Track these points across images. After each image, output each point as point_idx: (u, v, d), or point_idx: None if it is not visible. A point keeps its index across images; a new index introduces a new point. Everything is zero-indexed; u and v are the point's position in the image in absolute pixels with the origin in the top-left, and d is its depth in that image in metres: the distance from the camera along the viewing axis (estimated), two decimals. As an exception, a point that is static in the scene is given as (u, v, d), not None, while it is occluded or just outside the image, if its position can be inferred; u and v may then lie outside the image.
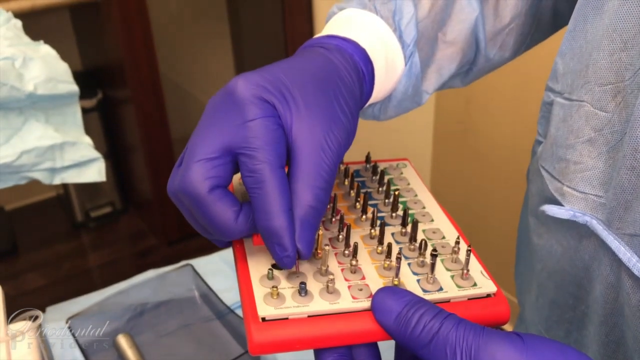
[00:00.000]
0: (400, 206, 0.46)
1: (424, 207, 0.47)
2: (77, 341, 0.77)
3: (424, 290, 0.38)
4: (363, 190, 0.47)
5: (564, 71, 0.49)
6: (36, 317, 0.62)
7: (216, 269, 0.92)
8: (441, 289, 0.39)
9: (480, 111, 1.74)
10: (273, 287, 0.37)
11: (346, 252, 0.41)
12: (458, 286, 0.39)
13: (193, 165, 0.38)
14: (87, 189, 2.40)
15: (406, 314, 0.34)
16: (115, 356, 0.78)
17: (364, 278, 0.39)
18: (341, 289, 0.38)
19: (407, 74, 0.52)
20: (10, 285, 2.19)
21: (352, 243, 0.40)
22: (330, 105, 0.40)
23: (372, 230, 0.43)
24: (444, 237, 0.44)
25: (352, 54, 0.46)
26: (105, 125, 2.39)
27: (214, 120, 0.41)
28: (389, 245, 0.40)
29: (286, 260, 0.37)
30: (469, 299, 0.39)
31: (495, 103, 1.67)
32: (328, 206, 0.43)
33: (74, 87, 0.79)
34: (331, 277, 0.37)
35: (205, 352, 0.79)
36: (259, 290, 0.37)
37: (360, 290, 0.38)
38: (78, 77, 0.80)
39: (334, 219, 0.44)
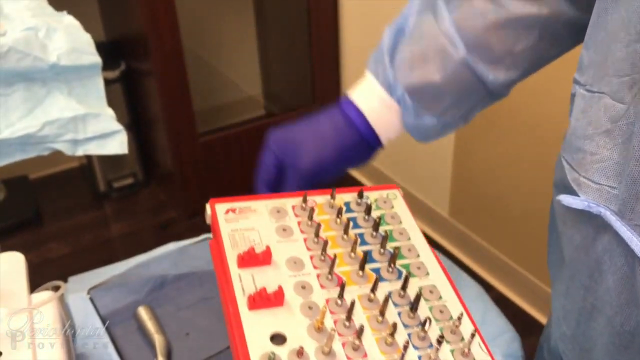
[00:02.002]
0: (404, 271, 0.45)
1: (418, 256, 0.47)
2: (97, 312, 0.77)
3: None
4: (356, 231, 0.47)
5: (587, 63, 0.50)
6: (58, 288, 0.63)
7: (236, 244, 0.92)
8: None
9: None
10: None
11: (347, 323, 0.40)
12: None
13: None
14: (110, 160, 2.42)
15: None
16: (135, 327, 0.79)
17: (365, 355, 0.38)
18: None
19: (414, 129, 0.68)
20: (33, 253, 2.23)
21: (356, 322, 0.39)
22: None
23: (371, 295, 0.42)
24: (440, 297, 0.44)
25: (358, 125, 0.65)
26: (128, 97, 2.40)
27: None
28: (394, 325, 0.39)
29: None
30: None
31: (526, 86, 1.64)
32: (324, 255, 0.43)
33: (96, 59, 0.78)
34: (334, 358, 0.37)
35: (224, 325, 0.79)
36: None
37: None
38: (101, 48, 0.79)
39: (330, 277, 0.43)
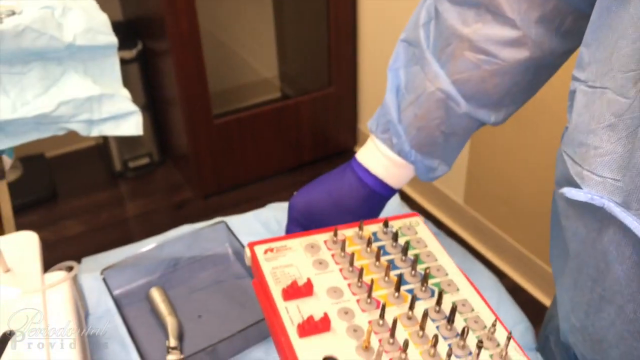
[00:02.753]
0: (436, 289, 0.48)
1: (446, 274, 0.50)
2: (110, 292, 0.78)
3: None
4: (386, 258, 0.50)
5: (589, 60, 0.50)
6: (71, 268, 0.63)
7: (250, 228, 0.92)
8: None
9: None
10: None
11: (391, 340, 0.43)
12: None
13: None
14: (126, 140, 2.43)
15: None
16: (148, 309, 0.79)
17: None
18: None
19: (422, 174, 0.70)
20: (49, 230, 2.25)
21: (399, 339, 0.42)
22: None
23: (410, 312, 0.45)
24: (473, 310, 0.47)
25: (378, 191, 0.67)
26: (145, 77, 2.40)
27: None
28: (435, 337, 0.42)
29: None
30: None
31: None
32: (361, 282, 0.47)
33: (113, 39, 0.78)
34: None
35: (236, 308, 0.80)
36: None
37: None
38: (118, 27, 0.79)
39: (369, 300, 0.46)
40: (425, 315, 0.43)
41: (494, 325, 0.44)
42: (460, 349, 0.42)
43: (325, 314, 0.44)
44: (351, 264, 0.49)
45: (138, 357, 0.70)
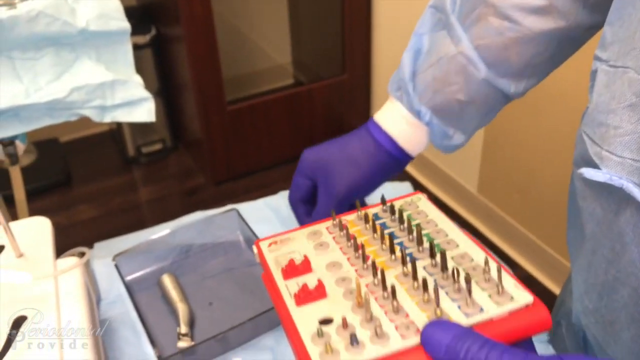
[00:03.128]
0: (425, 239, 0.48)
1: (447, 235, 0.49)
2: (122, 278, 0.78)
3: (467, 315, 0.40)
4: (387, 231, 0.50)
5: (611, 40, 0.50)
6: (84, 254, 0.63)
7: (261, 215, 0.92)
8: (482, 309, 0.41)
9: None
10: (326, 344, 0.39)
11: (385, 294, 0.43)
12: (497, 304, 0.41)
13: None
14: (139, 125, 2.44)
15: (455, 345, 0.36)
16: (159, 295, 0.79)
17: (407, 315, 0.41)
18: (389, 331, 0.40)
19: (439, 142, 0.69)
20: (62, 215, 2.26)
21: (389, 285, 0.43)
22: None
23: (404, 268, 0.45)
24: (472, 260, 0.46)
25: (388, 148, 0.68)
26: (158, 62, 2.40)
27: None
28: (424, 280, 0.42)
29: None
30: (510, 313, 0.41)
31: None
32: (359, 254, 0.47)
33: (125, 25, 0.78)
34: (377, 322, 0.40)
35: (247, 296, 0.80)
36: (313, 349, 0.40)
37: (407, 328, 0.40)
38: (131, 12, 0.79)
39: (365, 266, 0.47)
40: (414, 262, 0.44)
41: (486, 263, 0.44)
42: (456, 293, 0.42)
43: (319, 281, 0.45)
44: (349, 239, 0.50)
45: (149, 343, 0.70)
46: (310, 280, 0.46)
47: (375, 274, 0.45)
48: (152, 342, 0.69)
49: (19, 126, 0.75)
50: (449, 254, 0.47)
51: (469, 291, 0.41)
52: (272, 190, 0.99)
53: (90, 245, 0.82)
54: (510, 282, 0.43)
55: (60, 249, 0.65)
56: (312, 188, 0.71)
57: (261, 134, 2.39)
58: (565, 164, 1.67)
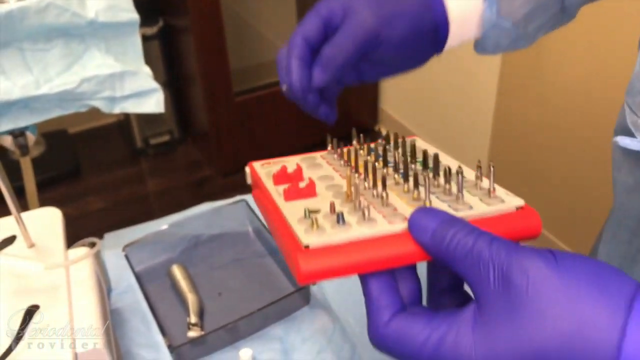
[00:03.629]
0: (419, 156, 0.48)
1: (441, 161, 0.48)
2: (132, 269, 0.78)
3: (456, 210, 0.39)
4: (380, 150, 0.50)
5: None
6: (94, 244, 0.64)
7: (270, 206, 0.92)
8: (471, 207, 0.40)
9: (551, 57, 1.66)
10: (312, 221, 0.38)
11: (374, 192, 0.43)
12: (487, 204, 0.40)
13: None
14: (147, 117, 2.44)
15: (442, 230, 0.35)
16: (169, 285, 0.80)
17: (396, 209, 0.41)
18: (376, 217, 0.39)
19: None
20: (72, 206, 2.27)
21: (379, 184, 0.42)
22: None
23: (396, 176, 0.45)
24: (463, 172, 0.45)
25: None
26: (166, 54, 2.40)
27: None
28: (415, 178, 0.42)
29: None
30: (500, 215, 0.40)
31: (566, 49, 1.59)
32: (351, 168, 0.46)
33: (134, 16, 0.78)
34: (365, 211, 0.39)
35: (256, 287, 0.80)
36: (298, 226, 0.39)
37: (395, 215, 0.39)
38: (139, 3, 0.79)
39: (357, 176, 0.46)
40: (406, 166, 0.43)
41: (478, 177, 0.43)
42: (446, 195, 0.42)
43: (311, 179, 0.44)
44: (344, 161, 0.50)
45: (159, 333, 0.71)
46: (301, 183, 0.45)
47: (366, 179, 0.44)
48: (163, 331, 0.70)
49: (29, 117, 0.76)
50: (442, 168, 0.45)
51: (460, 185, 0.41)
52: (280, 182, 0.99)
53: (99, 236, 0.83)
54: (501, 190, 0.42)
55: (70, 240, 0.65)
56: (324, 34, 0.54)
57: (269, 125, 2.39)
58: (575, 157, 1.66)
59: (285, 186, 0.45)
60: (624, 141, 0.48)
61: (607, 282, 0.30)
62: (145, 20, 0.82)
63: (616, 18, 1.40)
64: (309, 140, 2.52)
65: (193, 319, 0.73)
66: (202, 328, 0.73)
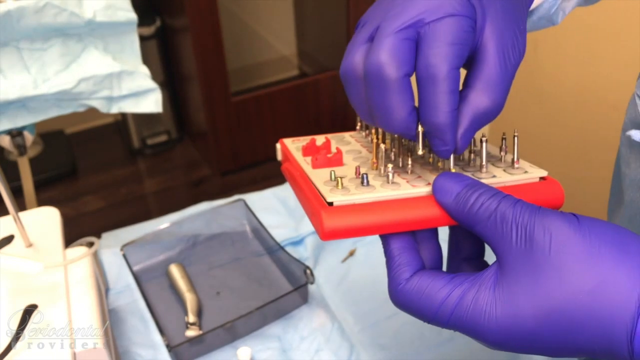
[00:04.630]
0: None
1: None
2: (130, 268, 0.78)
3: (479, 178, 0.40)
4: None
5: None
6: (92, 244, 0.64)
7: (268, 205, 0.92)
8: (494, 176, 0.40)
9: (548, 55, 1.66)
10: (337, 181, 0.39)
11: (400, 161, 0.43)
12: (510, 174, 0.41)
13: (386, 39, 0.36)
14: (144, 117, 2.44)
15: (465, 193, 0.35)
16: (167, 285, 0.80)
17: (420, 177, 0.41)
18: (400, 182, 0.40)
19: None
20: (69, 206, 2.27)
21: (404, 156, 0.43)
22: (518, 15, 0.40)
23: (421, 151, 0.44)
24: (489, 150, 0.45)
25: None
26: (163, 54, 2.39)
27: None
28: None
29: (444, 153, 0.38)
30: (523, 184, 0.40)
31: (564, 47, 1.59)
32: (379, 142, 0.45)
33: (132, 15, 0.78)
34: (390, 176, 0.39)
35: (254, 286, 0.80)
36: (323, 187, 0.40)
37: (419, 180, 0.40)
38: (137, 3, 0.79)
39: (384, 145, 0.45)
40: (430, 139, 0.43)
41: (503, 138, 0.43)
42: (471, 167, 0.42)
43: (338, 149, 0.45)
44: (368, 135, 0.51)
45: (157, 332, 0.71)
46: (329, 155, 0.46)
47: (392, 150, 0.45)
48: (161, 331, 0.70)
49: (27, 117, 0.76)
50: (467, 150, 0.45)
51: (484, 164, 0.41)
52: (278, 181, 0.99)
53: (97, 235, 0.83)
54: (525, 163, 0.43)
55: (68, 240, 0.65)
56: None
57: (266, 125, 2.39)
58: (573, 156, 1.67)
59: (314, 157, 0.46)
60: (637, 135, 0.48)
61: (628, 245, 0.31)
62: (142, 20, 0.82)
63: (614, 16, 1.41)
64: (306, 139, 2.52)
65: (191, 318, 0.73)
66: (200, 327, 0.73)
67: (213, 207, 0.88)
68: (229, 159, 2.38)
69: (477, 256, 0.40)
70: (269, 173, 2.39)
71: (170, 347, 0.68)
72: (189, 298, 0.76)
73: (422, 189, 0.38)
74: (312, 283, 0.76)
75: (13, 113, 0.75)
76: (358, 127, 0.54)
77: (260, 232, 0.85)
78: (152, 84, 0.81)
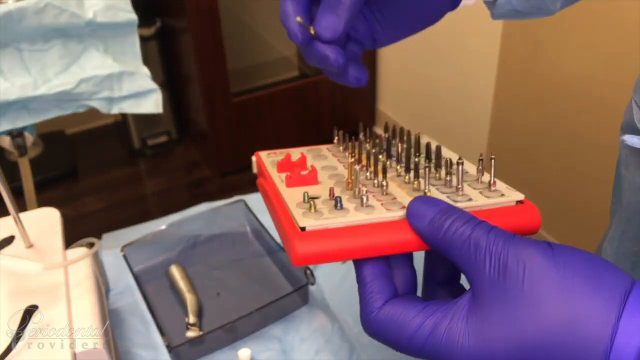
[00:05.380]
0: (423, 148, 0.48)
1: (443, 155, 0.48)
2: (130, 269, 0.78)
3: (454, 201, 0.39)
4: (385, 144, 0.49)
5: None
6: (92, 244, 0.64)
7: (268, 206, 0.92)
8: (470, 199, 0.40)
9: (549, 53, 1.66)
10: (310, 204, 0.38)
11: (375, 181, 0.43)
12: (486, 197, 0.40)
13: None
14: (144, 118, 2.44)
15: (439, 218, 0.35)
16: (167, 285, 0.80)
17: (395, 198, 0.41)
18: (374, 205, 0.39)
19: None
20: (69, 207, 2.27)
21: (380, 174, 0.43)
22: None
23: (398, 168, 0.45)
24: (467, 172, 0.45)
25: None
26: (163, 54, 2.39)
27: None
28: (415, 168, 0.42)
29: (294, 38, 0.39)
30: (499, 208, 0.40)
31: (563, 46, 1.59)
32: (355, 160, 0.45)
33: (132, 16, 0.78)
34: (364, 198, 0.39)
35: (254, 287, 0.80)
36: (296, 210, 0.39)
37: (393, 203, 0.39)
38: (137, 4, 0.79)
39: (360, 167, 0.46)
40: (408, 157, 0.43)
41: (481, 159, 0.43)
42: (447, 187, 0.42)
43: (313, 167, 0.44)
44: (349, 153, 0.50)
45: (158, 333, 0.71)
46: (304, 171, 0.45)
47: (368, 169, 0.44)
48: (161, 331, 0.70)
49: (28, 117, 0.76)
50: (443, 160, 0.45)
51: (461, 176, 0.41)
52: (279, 182, 0.99)
53: (98, 236, 0.83)
54: (502, 184, 0.42)
55: (68, 241, 0.65)
56: None
57: (267, 126, 2.39)
58: (573, 155, 1.67)
59: (288, 173, 0.45)
60: (632, 140, 0.48)
61: (603, 276, 0.30)
62: (142, 21, 0.82)
63: (614, 15, 1.41)
64: (306, 141, 2.52)
65: (192, 319, 0.73)
66: (200, 328, 0.73)
67: (213, 208, 0.88)
68: (229, 159, 2.38)
69: (453, 280, 0.40)
70: (269, 174, 2.39)
71: (170, 348, 0.68)
72: (189, 299, 0.76)
73: (397, 213, 0.38)
74: (312, 284, 0.76)
75: (13, 114, 0.75)
76: (335, 141, 0.53)
77: (260, 232, 0.85)
78: (153, 85, 0.81)
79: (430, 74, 2.16)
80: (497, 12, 0.53)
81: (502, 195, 0.40)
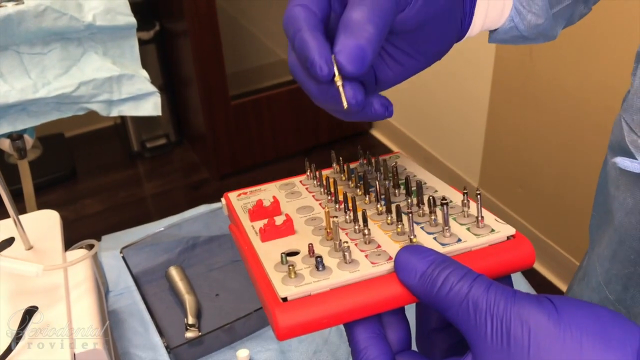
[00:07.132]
0: (402, 184, 0.45)
1: (425, 183, 0.46)
2: (130, 270, 0.79)
3: (442, 244, 0.37)
4: (360, 174, 0.46)
5: None
6: (92, 246, 0.64)
7: (266, 208, 0.92)
8: (459, 240, 0.37)
9: (544, 60, 1.67)
10: (289, 267, 0.35)
11: (356, 227, 0.40)
12: (476, 235, 0.38)
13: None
14: (144, 120, 2.44)
15: (431, 273, 0.32)
16: (167, 287, 0.80)
17: (379, 246, 0.38)
18: (358, 258, 0.37)
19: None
20: (69, 209, 2.28)
21: (360, 218, 0.39)
22: None
23: (379, 206, 0.42)
24: (451, 201, 0.42)
25: None
26: (162, 58, 2.40)
27: None
28: (397, 209, 0.39)
29: (319, 71, 0.34)
30: (490, 246, 0.37)
31: (560, 52, 1.60)
32: (331, 197, 0.42)
33: (132, 19, 0.78)
34: (347, 251, 0.36)
35: (253, 288, 0.80)
36: (275, 275, 0.36)
37: (378, 255, 0.37)
38: (135, 7, 0.79)
39: (337, 207, 0.43)
40: (388, 197, 0.40)
41: (465, 192, 0.40)
42: (432, 227, 0.39)
43: (288, 216, 0.41)
44: (322, 187, 0.47)
45: (157, 334, 0.71)
46: (279, 220, 0.42)
47: (347, 210, 0.41)
48: (160, 332, 0.70)
49: (27, 120, 0.76)
50: (426, 194, 0.43)
51: (446, 218, 0.38)
52: (277, 184, 1.00)
53: (97, 238, 0.83)
54: (490, 217, 0.40)
55: (67, 243, 0.66)
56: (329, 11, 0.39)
57: (265, 129, 2.40)
58: (567, 158, 1.67)
59: (262, 222, 0.42)
60: (624, 163, 0.47)
61: (611, 332, 0.29)
62: (141, 25, 0.82)
63: (608, 24, 1.42)
64: (304, 143, 2.53)
65: (190, 319, 0.74)
66: (199, 329, 0.74)
67: (212, 210, 0.89)
68: (227, 162, 2.39)
69: (448, 326, 0.37)
70: (267, 176, 2.39)
71: (169, 349, 0.68)
72: (188, 300, 0.76)
73: (383, 267, 0.35)
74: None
75: (13, 117, 0.76)
76: (308, 173, 0.51)
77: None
78: (152, 88, 0.81)
79: (427, 79, 2.17)
80: (497, 37, 0.51)
81: (492, 230, 0.38)
